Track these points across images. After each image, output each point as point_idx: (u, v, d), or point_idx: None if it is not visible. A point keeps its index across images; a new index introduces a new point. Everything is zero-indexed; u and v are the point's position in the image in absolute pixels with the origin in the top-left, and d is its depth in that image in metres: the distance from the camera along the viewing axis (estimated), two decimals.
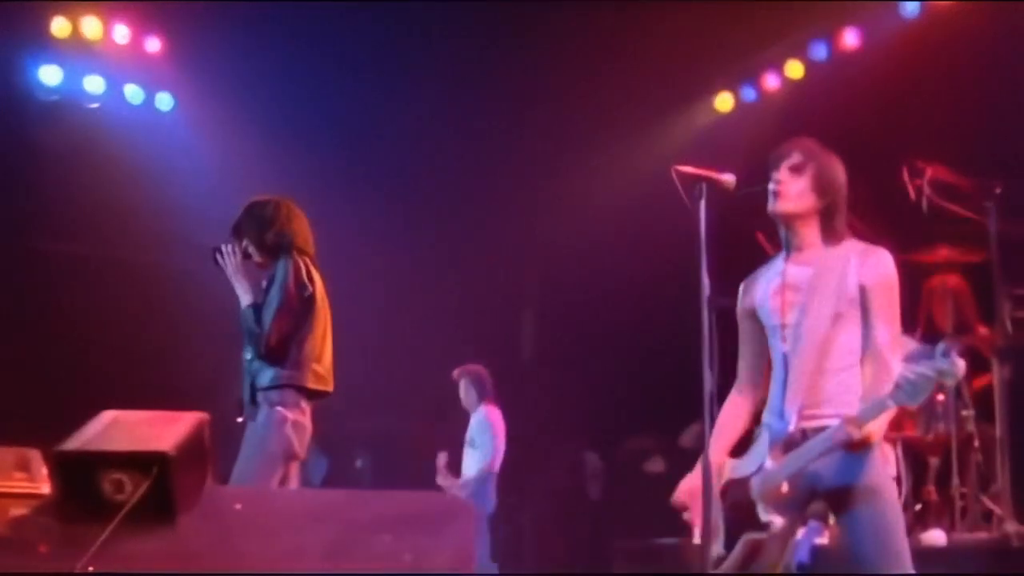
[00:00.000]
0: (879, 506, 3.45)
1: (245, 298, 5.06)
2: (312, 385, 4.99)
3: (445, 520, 3.18)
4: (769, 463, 3.50)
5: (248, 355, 5.07)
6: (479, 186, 9.87)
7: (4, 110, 8.56)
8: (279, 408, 4.92)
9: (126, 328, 8.94)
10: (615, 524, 9.74)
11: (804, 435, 3.48)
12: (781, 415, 3.55)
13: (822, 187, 3.60)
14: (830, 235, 3.62)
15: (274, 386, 4.95)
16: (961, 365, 3.14)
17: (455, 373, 8.22)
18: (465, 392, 8.18)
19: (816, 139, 3.74)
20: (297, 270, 5.00)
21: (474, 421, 8.08)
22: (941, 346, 3.18)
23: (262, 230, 5.11)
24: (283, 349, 4.96)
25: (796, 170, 3.60)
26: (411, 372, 10.15)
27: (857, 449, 3.35)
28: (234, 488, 4.53)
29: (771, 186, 3.62)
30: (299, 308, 4.98)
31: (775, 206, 3.61)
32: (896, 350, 3.37)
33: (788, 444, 3.47)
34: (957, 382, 3.15)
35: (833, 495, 3.46)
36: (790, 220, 3.63)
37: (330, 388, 5.10)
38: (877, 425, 3.32)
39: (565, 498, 10.00)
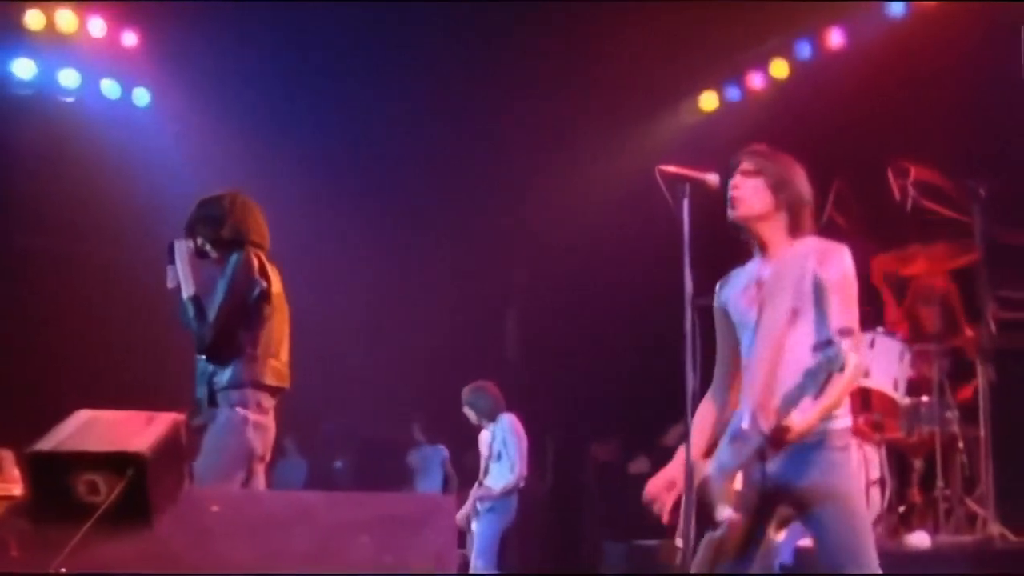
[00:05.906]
0: (846, 509, 3.45)
1: (188, 289, 4.93)
2: (271, 381, 4.84)
3: (425, 521, 3.15)
4: (724, 460, 3.52)
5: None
6: (463, 186, 9.83)
7: None
8: (239, 409, 4.77)
9: (100, 326, 8.83)
10: (598, 524, 9.72)
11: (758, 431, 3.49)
12: (742, 412, 3.59)
13: (777, 185, 3.62)
14: (795, 233, 3.64)
15: (233, 385, 4.79)
16: (844, 350, 3.16)
17: (464, 392, 7.71)
18: (477, 407, 7.70)
19: (782, 143, 3.76)
20: (248, 264, 4.85)
21: (497, 432, 7.61)
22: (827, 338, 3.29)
23: (217, 226, 4.99)
24: (227, 343, 4.80)
25: (748, 174, 3.63)
26: (392, 373, 10.10)
27: (786, 443, 3.34)
28: (211, 490, 4.44)
29: (728, 194, 3.64)
30: (247, 302, 4.85)
31: (733, 213, 3.64)
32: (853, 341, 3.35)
33: (741, 440, 3.49)
34: (842, 366, 3.15)
35: (799, 497, 3.46)
36: (750, 223, 3.65)
37: (287, 384, 4.96)
38: (800, 418, 3.31)
39: (548, 498, 9.97)
